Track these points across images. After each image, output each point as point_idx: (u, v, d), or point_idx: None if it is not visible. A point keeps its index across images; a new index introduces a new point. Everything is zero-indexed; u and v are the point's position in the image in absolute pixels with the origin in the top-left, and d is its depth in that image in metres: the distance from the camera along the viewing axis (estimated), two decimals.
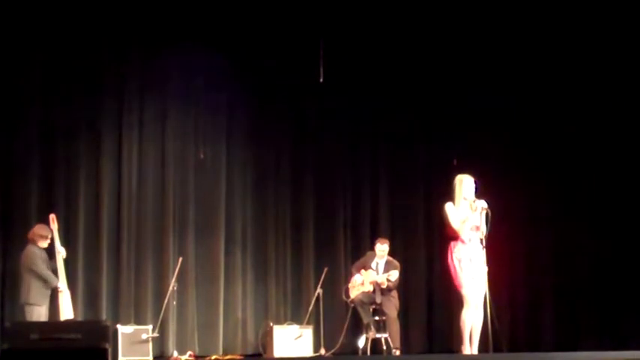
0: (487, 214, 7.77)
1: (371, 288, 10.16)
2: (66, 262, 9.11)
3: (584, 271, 11.33)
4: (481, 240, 7.79)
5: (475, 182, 7.94)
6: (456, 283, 7.82)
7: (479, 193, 7.92)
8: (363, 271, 10.31)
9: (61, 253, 9.01)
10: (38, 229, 9.00)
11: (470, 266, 7.76)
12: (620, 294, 11.08)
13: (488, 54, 11.37)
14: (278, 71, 11.10)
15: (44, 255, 8.95)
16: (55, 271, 8.94)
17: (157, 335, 9.92)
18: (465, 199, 7.82)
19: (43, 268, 8.81)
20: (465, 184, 7.87)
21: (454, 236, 7.83)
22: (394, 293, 10.19)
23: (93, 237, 10.28)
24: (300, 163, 11.49)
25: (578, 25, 11.02)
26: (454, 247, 7.83)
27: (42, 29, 10.16)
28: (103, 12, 10.35)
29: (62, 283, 8.93)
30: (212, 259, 10.85)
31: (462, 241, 7.80)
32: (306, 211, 11.42)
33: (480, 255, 7.79)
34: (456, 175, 8.08)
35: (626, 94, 11.19)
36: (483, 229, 7.76)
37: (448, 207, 7.85)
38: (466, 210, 7.82)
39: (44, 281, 8.81)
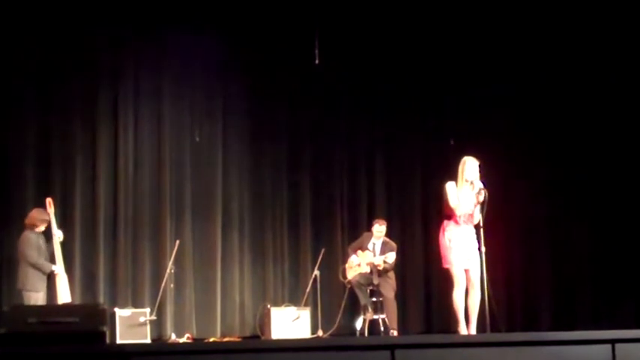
0: (485, 194, 7.77)
1: (368, 269, 10.17)
2: (63, 245, 9.08)
3: (582, 255, 11.35)
4: (476, 221, 7.80)
5: (479, 165, 7.93)
6: (445, 261, 7.85)
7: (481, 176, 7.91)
8: (359, 252, 10.31)
9: (58, 236, 8.98)
10: (36, 212, 8.94)
11: (461, 246, 7.77)
12: (617, 278, 11.09)
13: (488, 37, 11.30)
14: (274, 52, 11.05)
15: (41, 240, 8.88)
16: (52, 255, 8.89)
17: (155, 318, 9.91)
18: (466, 180, 7.83)
19: (36, 257, 8.74)
20: (468, 165, 7.87)
21: (449, 215, 7.85)
22: (391, 274, 10.20)
23: (90, 220, 10.26)
24: (297, 146, 11.47)
25: (585, 10, 10.90)
26: (447, 226, 7.87)
27: (38, 9, 10.08)
28: None
29: (59, 267, 8.89)
30: (209, 241, 10.85)
31: (456, 222, 7.82)
32: (303, 193, 11.43)
33: (474, 236, 7.80)
34: (453, 155, 8.07)
35: (631, 85, 11.12)
36: (479, 210, 7.77)
37: (449, 186, 7.85)
38: (467, 191, 7.82)
39: (39, 269, 8.79)
